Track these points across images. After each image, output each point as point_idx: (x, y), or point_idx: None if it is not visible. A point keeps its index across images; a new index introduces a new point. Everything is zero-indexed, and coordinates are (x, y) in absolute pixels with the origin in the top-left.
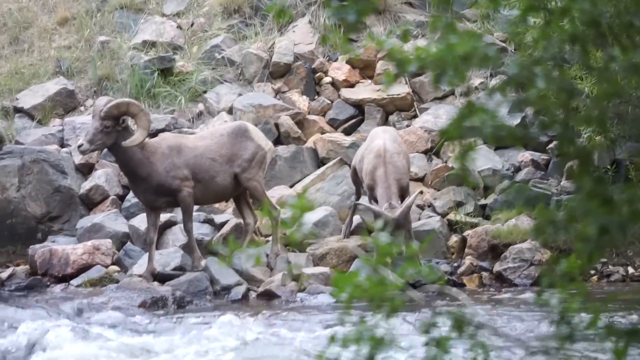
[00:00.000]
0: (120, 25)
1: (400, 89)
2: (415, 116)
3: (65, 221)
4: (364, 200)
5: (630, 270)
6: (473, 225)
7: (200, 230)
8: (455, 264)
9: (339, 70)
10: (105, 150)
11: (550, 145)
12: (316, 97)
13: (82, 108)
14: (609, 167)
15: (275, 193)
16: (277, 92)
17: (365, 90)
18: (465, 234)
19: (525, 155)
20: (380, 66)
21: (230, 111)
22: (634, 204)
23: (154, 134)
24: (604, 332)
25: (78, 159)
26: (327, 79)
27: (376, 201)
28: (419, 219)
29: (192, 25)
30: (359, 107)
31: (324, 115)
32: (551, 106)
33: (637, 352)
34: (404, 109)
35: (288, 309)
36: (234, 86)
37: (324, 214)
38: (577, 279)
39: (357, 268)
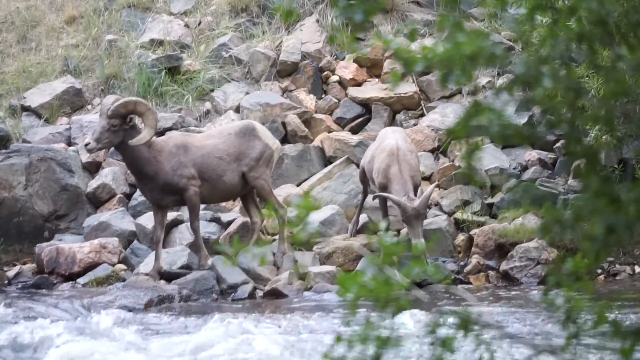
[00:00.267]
0: (127, 24)
1: (408, 88)
2: (422, 115)
3: (72, 219)
4: (369, 200)
5: (637, 269)
6: (480, 224)
7: (207, 229)
8: (462, 263)
9: (346, 69)
10: (112, 148)
11: (557, 144)
12: (323, 95)
13: (89, 107)
14: (616, 166)
15: (282, 192)
16: (284, 91)
17: (372, 89)
18: (472, 232)
19: (532, 154)
20: (387, 65)
21: (237, 110)
22: None
23: (161, 132)
24: (611, 331)
25: (85, 157)
26: (334, 78)
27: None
28: (426, 217)
29: (199, 23)
30: (366, 106)
31: (331, 114)
32: (558, 105)
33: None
34: (411, 108)
35: (294, 307)
36: (241, 85)
37: (330, 212)
38: (583, 278)
39: (363, 267)
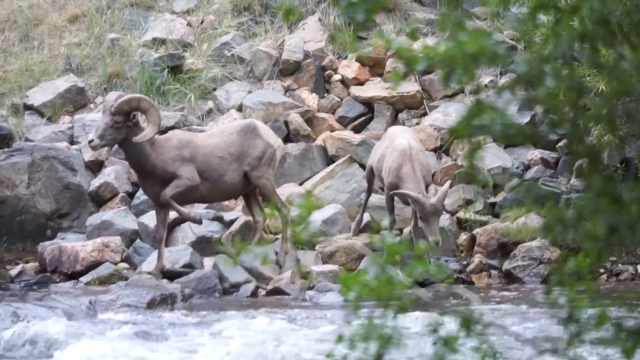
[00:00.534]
0: (130, 23)
1: (410, 87)
2: (424, 114)
3: (75, 218)
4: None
5: None
6: (482, 224)
7: (209, 228)
8: (465, 262)
9: (349, 68)
10: (115, 147)
11: (560, 144)
12: (326, 94)
13: (92, 105)
14: (618, 165)
15: (285, 191)
16: (287, 90)
17: (374, 88)
18: (474, 232)
19: (535, 154)
20: (390, 64)
21: (239, 109)
22: None
23: (163, 131)
24: (613, 330)
25: (88, 156)
26: (337, 77)
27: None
28: (442, 214)
29: (202, 22)
30: (369, 105)
31: (333, 113)
32: (560, 104)
33: None
34: (413, 107)
35: (297, 306)
36: (243, 84)
37: (333, 211)
38: (586, 277)
39: (366, 267)
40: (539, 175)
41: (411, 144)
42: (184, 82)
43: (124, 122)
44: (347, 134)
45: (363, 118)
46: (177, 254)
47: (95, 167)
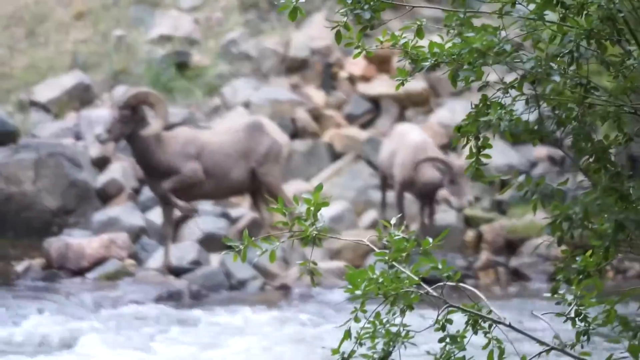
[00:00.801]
0: (136, 20)
1: (417, 84)
2: (431, 111)
3: (81, 215)
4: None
5: None
6: (489, 221)
7: (216, 224)
8: (471, 259)
9: (355, 65)
10: (122, 143)
11: (567, 141)
12: (332, 91)
13: (98, 102)
14: (624, 163)
15: (291, 188)
16: (294, 87)
17: (381, 85)
18: (481, 229)
19: (542, 151)
20: (396, 61)
21: (246, 106)
22: None
23: (169, 127)
24: (619, 328)
25: (94, 152)
26: (344, 74)
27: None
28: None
29: (208, 19)
30: (375, 102)
31: (340, 110)
32: (567, 102)
33: None
34: (420, 104)
35: (303, 303)
36: (250, 81)
37: (339, 208)
38: (592, 274)
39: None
40: (546, 172)
41: (425, 138)
42: (190, 79)
43: (132, 116)
44: (354, 131)
45: (370, 115)
46: (184, 250)
47: (101, 163)
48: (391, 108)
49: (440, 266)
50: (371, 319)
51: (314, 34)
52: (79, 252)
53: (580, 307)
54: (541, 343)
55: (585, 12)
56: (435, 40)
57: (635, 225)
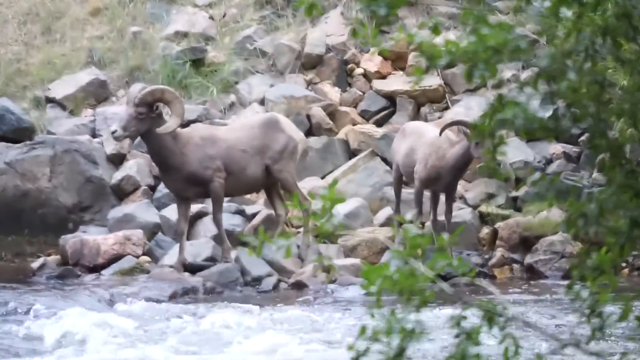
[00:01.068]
0: (152, 16)
1: (432, 81)
2: (447, 108)
3: (97, 211)
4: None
5: None
6: (504, 217)
7: (232, 221)
8: (487, 256)
9: (371, 61)
10: (137, 140)
11: (582, 138)
12: (348, 88)
13: (113, 98)
14: None
15: (307, 184)
16: (309, 84)
17: (397, 82)
18: (496, 226)
19: (557, 148)
20: (412, 58)
21: (262, 102)
22: None
23: (185, 124)
24: (635, 324)
25: (110, 149)
26: (359, 71)
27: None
28: None
29: (224, 16)
30: (391, 98)
31: (355, 107)
32: (583, 99)
33: None
34: (435, 101)
35: (318, 300)
36: (265, 77)
37: (355, 205)
38: (608, 271)
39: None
40: (561, 169)
41: (448, 133)
42: (206, 75)
43: (148, 113)
44: (369, 127)
45: (385, 112)
46: (199, 247)
47: (117, 160)
48: (407, 105)
49: (455, 263)
50: (386, 316)
51: (329, 30)
52: (95, 249)
53: (595, 304)
54: (556, 339)
55: (600, 9)
56: (451, 37)
57: None
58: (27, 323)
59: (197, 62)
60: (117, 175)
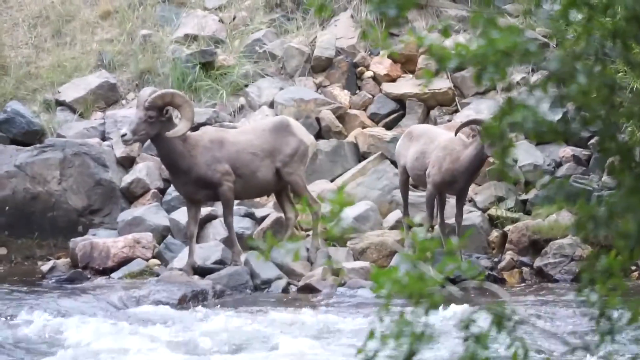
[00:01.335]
0: (162, 19)
1: (442, 84)
2: (456, 111)
3: (106, 214)
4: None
5: None
6: (514, 221)
7: (241, 224)
8: (496, 259)
9: (381, 64)
10: (147, 143)
11: (592, 141)
12: (357, 91)
13: (123, 101)
14: None
15: (316, 187)
16: (319, 87)
17: (406, 85)
18: (506, 229)
19: (567, 151)
20: (421, 61)
21: (271, 105)
22: None
23: (195, 127)
24: None
25: (119, 152)
26: (369, 74)
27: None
28: None
29: (233, 19)
30: (401, 101)
31: (365, 110)
32: (592, 102)
33: None
34: (445, 104)
35: (328, 303)
36: (275, 80)
37: (364, 208)
38: (617, 275)
39: (397, 263)
40: (571, 172)
41: (460, 136)
42: (215, 78)
43: (157, 117)
44: (379, 130)
45: (395, 115)
46: (209, 250)
47: (126, 163)
48: (416, 108)
49: (463, 266)
50: (395, 319)
51: (339, 33)
52: (104, 252)
53: (605, 308)
54: (566, 343)
55: (610, 12)
56: (460, 40)
57: None
58: (35, 326)
59: (207, 65)
60: (127, 178)
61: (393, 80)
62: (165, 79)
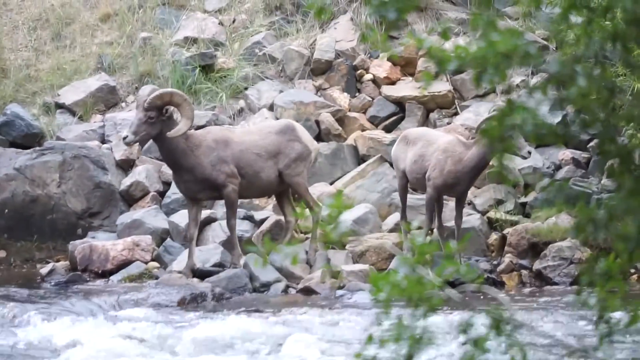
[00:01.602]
0: (161, 22)
1: (442, 87)
2: (456, 114)
3: (106, 217)
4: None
5: None
6: (513, 223)
7: (240, 227)
8: (495, 262)
9: (380, 67)
10: (146, 146)
11: (591, 144)
12: (357, 94)
13: (123, 104)
14: None
15: (316, 190)
16: (318, 89)
17: (406, 88)
18: (505, 232)
19: (566, 154)
20: (421, 64)
21: (271, 108)
22: None
23: (195, 130)
24: None
25: (119, 154)
26: (368, 76)
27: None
28: None
29: (233, 21)
30: (400, 104)
31: (364, 113)
32: (592, 104)
33: None
34: (444, 107)
35: (327, 306)
36: (275, 83)
37: (363, 211)
38: (616, 277)
39: (396, 266)
40: (570, 175)
41: (455, 137)
42: (215, 81)
43: (158, 117)
44: (378, 133)
45: (394, 117)
46: (208, 253)
47: (126, 165)
48: (416, 110)
49: (462, 270)
50: (394, 323)
51: (339, 36)
52: (103, 255)
53: (604, 310)
54: (565, 346)
55: (610, 15)
56: (459, 42)
57: None
58: (34, 329)
59: (207, 68)
60: (126, 181)
61: (392, 82)
62: (164, 82)
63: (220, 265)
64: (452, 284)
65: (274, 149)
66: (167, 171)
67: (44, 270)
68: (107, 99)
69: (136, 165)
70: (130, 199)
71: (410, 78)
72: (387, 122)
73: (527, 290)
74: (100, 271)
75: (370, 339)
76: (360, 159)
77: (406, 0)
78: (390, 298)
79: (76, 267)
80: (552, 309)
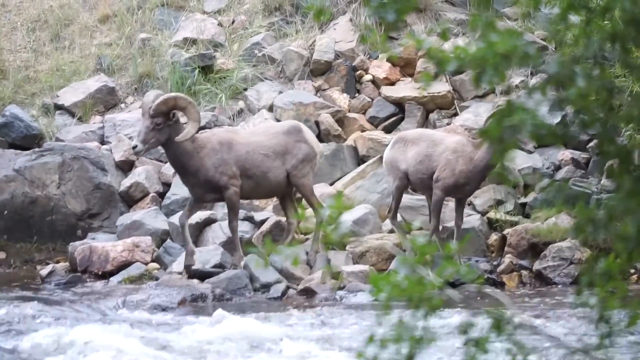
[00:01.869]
0: (161, 23)
1: (441, 87)
2: (455, 114)
3: (105, 218)
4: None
5: None
6: (513, 224)
7: (240, 228)
8: (495, 263)
9: (380, 68)
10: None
11: (591, 144)
12: (356, 95)
13: (122, 105)
14: None
15: (316, 190)
16: (318, 90)
17: (405, 88)
18: (505, 232)
19: (566, 154)
20: (420, 64)
21: (270, 109)
22: None
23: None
24: None
25: (118, 156)
26: (368, 77)
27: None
28: None
29: (232, 22)
30: (400, 105)
31: (364, 113)
32: (591, 105)
33: None
34: (444, 107)
35: (327, 307)
36: (274, 84)
37: (363, 212)
38: (616, 277)
39: (396, 267)
40: (570, 175)
41: (460, 137)
42: (214, 82)
43: (165, 122)
44: (378, 134)
45: (394, 118)
46: (208, 254)
47: (125, 167)
48: (415, 111)
49: (462, 270)
50: (395, 323)
51: (338, 37)
52: (103, 256)
53: (604, 310)
54: (565, 346)
55: (609, 15)
56: (459, 43)
57: None
58: (34, 331)
59: (206, 69)
60: (126, 182)
61: (392, 83)
62: (164, 83)
63: (221, 266)
64: (453, 285)
65: (281, 150)
66: (167, 172)
67: (44, 271)
68: (107, 100)
69: (136, 167)
70: (130, 200)
71: (410, 79)
72: (386, 123)
73: (527, 290)
74: (100, 272)
75: (371, 339)
76: (360, 160)
77: (405, 1)
78: (390, 298)
79: (76, 269)
80: (552, 309)
